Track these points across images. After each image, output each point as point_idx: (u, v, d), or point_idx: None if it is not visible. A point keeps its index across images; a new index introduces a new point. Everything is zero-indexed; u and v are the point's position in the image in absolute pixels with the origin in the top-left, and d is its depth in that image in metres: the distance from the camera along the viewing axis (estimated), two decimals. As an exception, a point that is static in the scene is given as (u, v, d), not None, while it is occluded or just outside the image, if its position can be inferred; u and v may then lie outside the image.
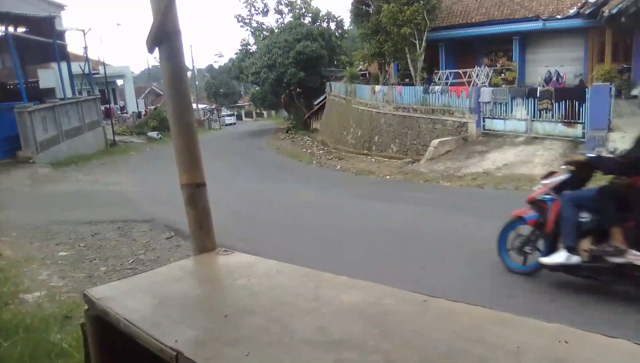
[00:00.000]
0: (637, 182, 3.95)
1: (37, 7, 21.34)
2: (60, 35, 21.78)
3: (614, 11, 14.41)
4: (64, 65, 21.75)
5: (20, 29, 18.92)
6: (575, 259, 4.21)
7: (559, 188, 4.64)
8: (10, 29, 17.27)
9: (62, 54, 21.50)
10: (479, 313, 1.16)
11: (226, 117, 52.78)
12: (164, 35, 1.76)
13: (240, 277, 1.56)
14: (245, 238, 7.22)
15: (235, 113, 61.03)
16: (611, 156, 4.40)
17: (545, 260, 4.46)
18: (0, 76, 23.94)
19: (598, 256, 4.10)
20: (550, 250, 4.52)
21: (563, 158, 11.70)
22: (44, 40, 19.42)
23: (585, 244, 4.19)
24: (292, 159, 20.34)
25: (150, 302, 1.42)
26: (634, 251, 3.92)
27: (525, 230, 4.98)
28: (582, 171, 4.49)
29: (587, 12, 16.88)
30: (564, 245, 4.31)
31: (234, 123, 52.09)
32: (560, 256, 4.30)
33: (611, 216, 4.09)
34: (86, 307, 1.51)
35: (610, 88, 12.04)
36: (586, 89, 12.62)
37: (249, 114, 62.50)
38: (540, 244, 4.78)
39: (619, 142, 11.15)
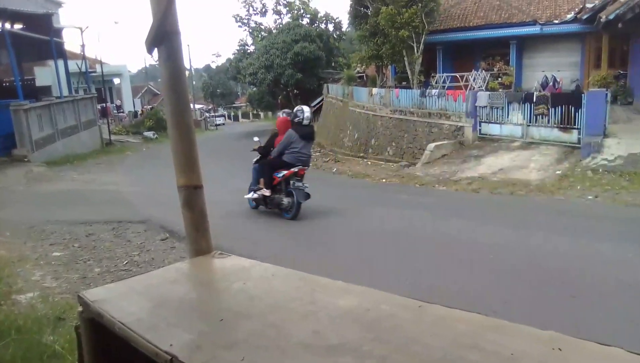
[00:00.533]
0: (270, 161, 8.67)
1: (34, 4, 21.25)
2: (58, 32, 21.70)
3: (610, 17, 14.49)
4: (60, 63, 21.66)
5: (17, 26, 18.84)
6: (252, 194, 8.82)
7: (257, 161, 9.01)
8: (7, 25, 17.18)
9: (59, 52, 21.41)
10: (474, 320, 1.16)
11: (216, 118, 52.74)
12: (164, 36, 1.76)
13: (236, 281, 1.56)
14: (241, 238, 7.22)
15: (226, 114, 61.35)
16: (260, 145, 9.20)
17: (245, 196, 9.06)
18: (-4, 73, 23.83)
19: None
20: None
21: (558, 163, 11.76)
22: (41, 38, 19.35)
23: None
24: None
25: (146, 305, 1.41)
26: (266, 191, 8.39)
27: None
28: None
29: (585, 17, 16.99)
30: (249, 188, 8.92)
31: (223, 123, 52.59)
32: (249, 194, 8.90)
33: (260, 175, 8.65)
34: (80, 309, 1.50)
35: (606, 94, 12.09)
36: (582, 95, 12.67)
37: (245, 115, 62.49)
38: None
39: (615, 148, 11.22)
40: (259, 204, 8.90)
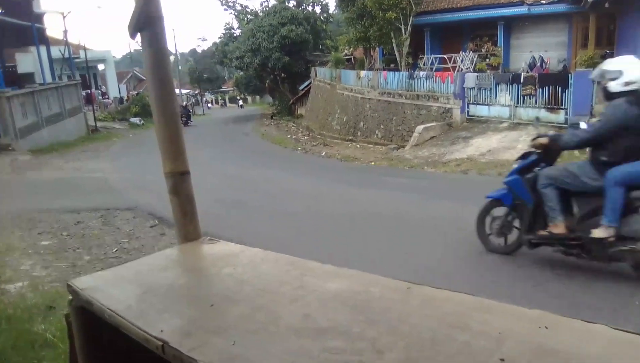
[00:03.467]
0: None
1: (13, -11, 20.76)
2: (39, 18, 21.26)
3: (597, -3, 14.49)
4: (43, 49, 21.27)
5: (-4, 12, 18.44)
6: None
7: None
8: (-14, 11, 16.80)
9: (40, 38, 21.01)
10: (461, 300, 1.18)
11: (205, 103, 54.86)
12: (146, 21, 1.73)
13: (225, 266, 1.56)
14: (230, 224, 7.21)
15: (212, 98, 62.79)
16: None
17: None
18: (-24, 60, 23.34)
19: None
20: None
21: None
22: (21, 23, 18.95)
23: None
24: (276, 145, 20.27)
25: (135, 292, 1.41)
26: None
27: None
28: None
29: (571, -3, 16.97)
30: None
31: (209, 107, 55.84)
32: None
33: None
34: (70, 298, 1.49)
35: (593, 74, 12.15)
36: (569, 75, 12.74)
37: (233, 100, 61.99)
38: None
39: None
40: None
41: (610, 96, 4.25)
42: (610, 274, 4.42)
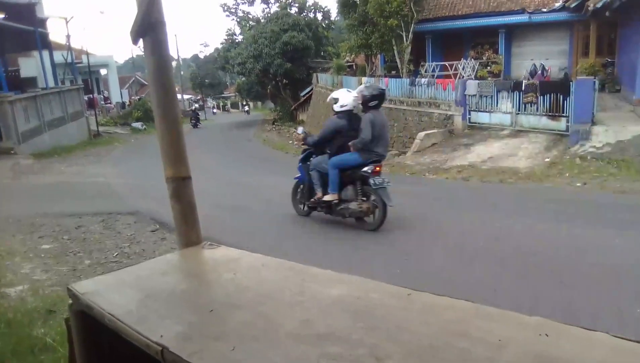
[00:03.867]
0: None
1: (17, -6, 20.87)
2: (42, 23, 21.34)
3: (598, 5, 14.55)
4: (45, 54, 21.36)
5: (0, 16, 18.50)
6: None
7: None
8: (-10, 16, 16.89)
9: (43, 43, 21.08)
10: (462, 307, 1.18)
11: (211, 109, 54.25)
12: (149, 27, 1.74)
13: (225, 271, 1.56)
14: (231, 229, 7.21)
15: (214, 103, 62.03)
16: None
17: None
18: (-20, 64, 23.44)
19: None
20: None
21: (547, 151, 11.86)
22: (24, 28, 19.02)
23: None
24: (278, 151, 20.28)
25: (136, 297, 1.41)
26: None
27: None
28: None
29: (573, 5, 17.04)
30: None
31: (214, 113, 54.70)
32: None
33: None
34: (70, 302, 1.49)
35: (594, 82, 12.17)
36: (570, 83, 12.75)
37: (234, 105, 62.07)
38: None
39: (602, 135, 11.32)
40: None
41: (334, 113, 6.85)
42: (351, 224, 7.05)
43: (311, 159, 7.17)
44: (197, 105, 45.80)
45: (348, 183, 6.78)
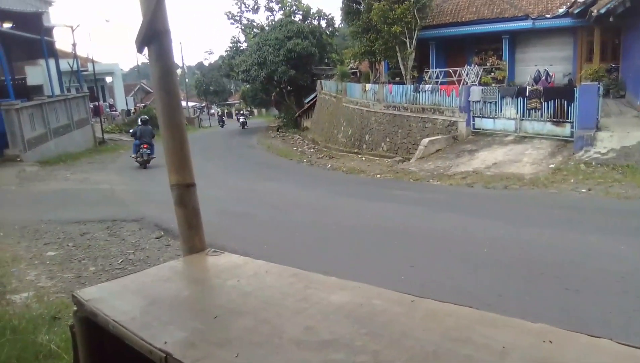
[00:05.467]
0: None
1: (23, 3, 21.10)
2: (48, 31, 21.52)
3: (602, 11, 14.55)
4: (52, 62, 21.51)
5: (7, 25, 18.66)
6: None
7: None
8: (-3, 25, 17.04)
9: (50, 51, 21.25)
10: (465, 314, 1.17)
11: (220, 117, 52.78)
12: (153, 35, 1.76)
13: (229, 278, 1.56)
14: (235, 236, 7.22)
15: (219, 110, 60.56)
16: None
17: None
18: (-14, 72, 23.63)
19: None
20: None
21: (551, 157, 11.83)
22: (31, 37, 19.19)
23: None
24: (282, 157, 20.32)
25: (140, 303, 1.41)
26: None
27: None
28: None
29: (576, 11, 17.04)
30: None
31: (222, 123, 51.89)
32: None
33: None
34: (75, 308, 1.50)
35: (599, 87, 12.15)
36: (575, 89, 12.73)
37: (237, 112, 62.07)
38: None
39: (607, 141, 11.29)
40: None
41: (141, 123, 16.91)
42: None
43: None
44: (221, 111, 46.75)
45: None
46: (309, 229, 7.81)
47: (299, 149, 22.80)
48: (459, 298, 4.38)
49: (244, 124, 37.58)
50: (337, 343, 1.08)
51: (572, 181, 9.91)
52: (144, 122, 17.15)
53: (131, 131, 17.38)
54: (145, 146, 16.07)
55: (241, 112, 45.70)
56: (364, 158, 17.70)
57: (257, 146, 25.28)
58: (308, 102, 30.64)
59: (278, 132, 31.61)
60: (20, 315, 4.08)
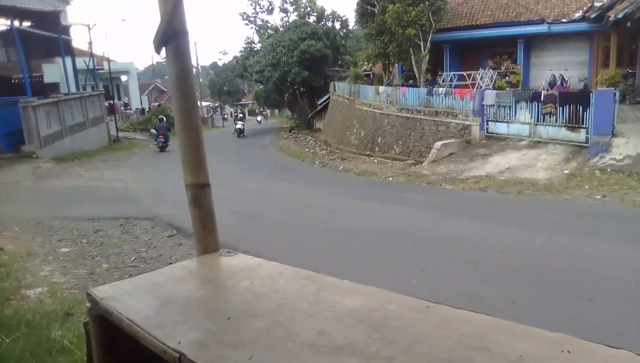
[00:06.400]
0: None
1: (42, 2, 21.36)
2: (65, 30, 21.79)
3: (619, 16, 14.37)
4: (68, 60, 21.76)
5: (26, 23, 18.92)
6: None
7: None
8: (16, 23, 17.26)
9: (66, 49, 21.51)
10: (481, 321, 1.16)
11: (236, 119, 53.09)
12: (171, 35, 1.77)
13: (243, 279, 1.56)
14: (246, 237, 7.24)
15: (231, 111, 60.43)
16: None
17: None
18: (5, 70, 23.95)
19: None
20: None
21: (566, 162, 11.70)
22: (49, 35, 19.45)
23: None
24: (294, 158, 20.34)
25: (154, 303, 1.42)
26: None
27: None
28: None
29: (593, 16, 16.84)
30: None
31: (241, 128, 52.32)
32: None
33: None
34: (89, 306, 1.51)
35: (615, 93, 12.00)
36: (590, 94, 12.58)
37: (251, 113, 62.30)
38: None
39: (623, 147, 11.14)
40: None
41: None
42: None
43: None
44: (242, 114, 46.83)
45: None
46: (320, 231, 7.81)
47: (311, 151, 22.80)
48: (470, 304, 4.35)
49: (260, 121, 43.62)
50: (350, 348, 1.07)
51: (586, 187, 9.79)
52: (160, 120, 23.32)
53: (153, 127, 23.59)
54: (160, 136, 22.04)
55: (260, 111, 51.57)
56: (376, 161, 17.65)
57: (270, 147, 25.34)
58: (321, 104, 30.63)
59: (290, 133, 31.65)
60: (35, 310, 4.12)
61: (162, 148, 21.89)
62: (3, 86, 21.09)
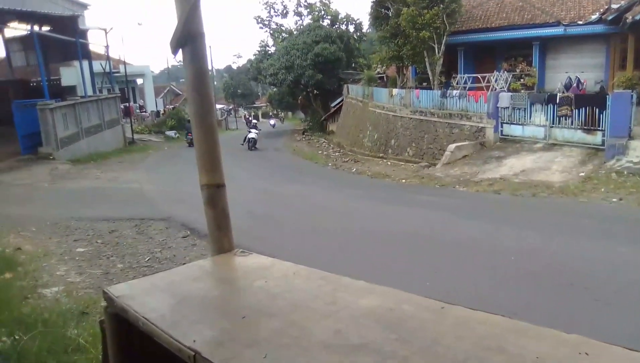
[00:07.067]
0: None
1: (61, 7, 21.68)
2: (83, 34, 22.12)
3: (637, 17, 14.19)
4: (85, 63, 22.08)
5: (45, 28, 19.25)
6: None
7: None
8: (35, 27, 17.57)
9: (84, 53, 21.83)
10: (497, 322, 1.15)
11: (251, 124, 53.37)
12: (188, 38, 1.78)
13: (257, 279, 1.57)
14: (260, 237, 7.26)
15: (246, 113, 60.46)
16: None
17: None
18: (24, 73, 24.35)
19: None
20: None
21: (582, 165, 11.55)
22: (67, 39, 19.75)
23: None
24: (308, 161, 20.36)
25: (169, 301, 1.43)
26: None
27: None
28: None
29: (610, 18, 16.62)
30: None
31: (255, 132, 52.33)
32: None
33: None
34: (105, 304, 1.52)
35: (632, 95, 11.83)
36: (607, 96, 12.42)
37: (265, 115, 62.53)
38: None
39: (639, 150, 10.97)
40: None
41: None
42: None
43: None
44: (254, 117, 47.02)
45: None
46: (333, 232, 7.80)
47: (325, 153, 22.81)
48: (484, 306, 4.31)
49: (274, 125, 42.29)
50: (366, 348, 1.07)
51: (602, 190, 9.66)
52: (188, 121, 24.94)
53: (184, 127, 26.80)
54: (189, 134, 23.37)
55: (274, 114, 52.76)
56: (389, 163, 17.60)
57: (283, 149, 25.40)
58: (334, 106, 30.63)
59: (304, 136, 31.69)
60: (51, 309, 4.18)
61: (190, 144, 23.52)
62: (22, 89, 21.46)
